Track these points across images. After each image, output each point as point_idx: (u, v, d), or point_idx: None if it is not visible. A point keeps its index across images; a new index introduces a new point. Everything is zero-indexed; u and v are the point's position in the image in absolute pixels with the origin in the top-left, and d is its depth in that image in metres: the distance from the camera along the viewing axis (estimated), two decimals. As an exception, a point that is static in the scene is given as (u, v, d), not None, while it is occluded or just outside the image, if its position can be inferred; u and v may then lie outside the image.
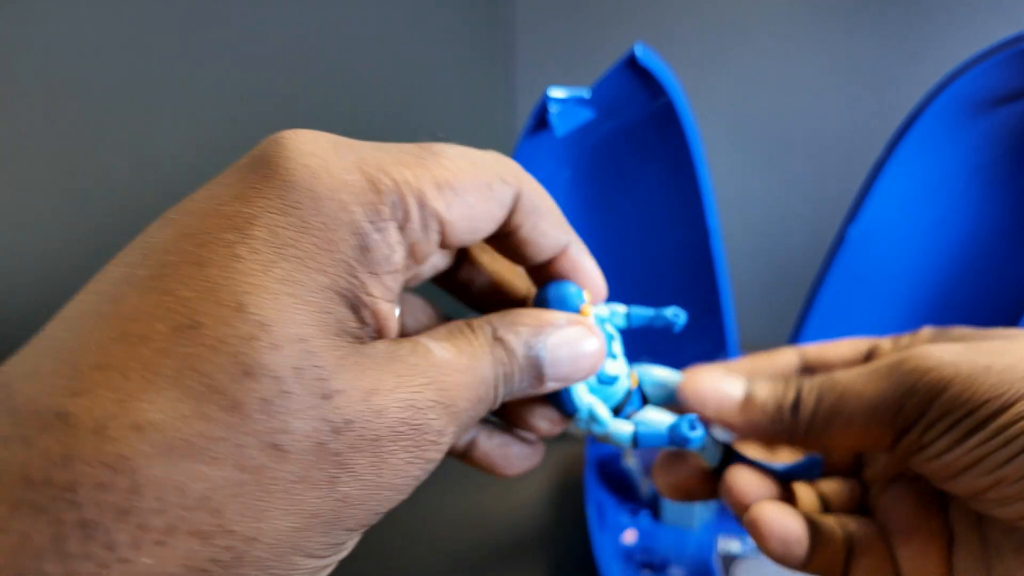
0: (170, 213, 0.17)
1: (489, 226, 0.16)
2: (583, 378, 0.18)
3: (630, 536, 0.32)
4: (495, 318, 0.17)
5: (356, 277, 0.14)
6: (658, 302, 0.26)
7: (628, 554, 0.30)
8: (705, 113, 0.74)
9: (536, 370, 0.16)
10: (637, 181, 0.25)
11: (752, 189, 0.73)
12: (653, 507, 0.31)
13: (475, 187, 0.15)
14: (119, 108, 0.71)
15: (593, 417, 0.19)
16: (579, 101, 0.22)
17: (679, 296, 0.28)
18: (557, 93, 0.22)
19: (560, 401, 0.19)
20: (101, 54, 0.68)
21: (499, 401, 0.16)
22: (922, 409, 0.15)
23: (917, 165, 0.27)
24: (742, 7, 0.71)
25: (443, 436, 0.14)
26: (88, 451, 0.11)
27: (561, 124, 0.22)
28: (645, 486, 0.32)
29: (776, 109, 0.71)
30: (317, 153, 0.15)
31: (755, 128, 0.76)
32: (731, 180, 0.73)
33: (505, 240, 0.18)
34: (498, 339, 0.16)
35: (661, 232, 0.27)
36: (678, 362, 0.27)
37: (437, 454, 0.14)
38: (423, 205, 0.14)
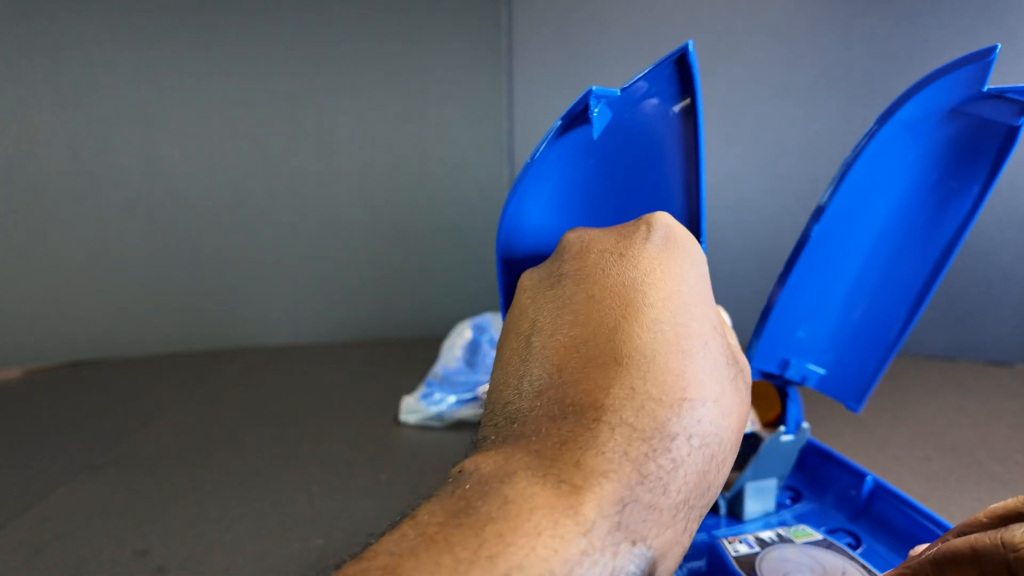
0: None
1: None
2: None
3: None
4: None
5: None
6: None
7: None
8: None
9: None
10: (640, 179, 0.26)
11: (743, 191, 0.74)
12: None
13: None
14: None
15: None
16: (612, 100, 0.22)
17: None
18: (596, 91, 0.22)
19: None
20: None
21: None
22: None
23: (875, 170, 0.29)
24: (735, 15, 0.73)
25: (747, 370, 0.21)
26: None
27: (600, 123, 0.23)
28: None
29: (767, 114, 0.72)
30: None
31: (747, 132, 0.77)
32: (723, 182, 0.75)
33: None
34: None
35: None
36: None
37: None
38: None
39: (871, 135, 0.28)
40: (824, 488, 0.38)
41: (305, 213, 0.81)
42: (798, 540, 0.30)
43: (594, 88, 0.22)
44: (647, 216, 0.21)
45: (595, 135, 0.23)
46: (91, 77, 0.72)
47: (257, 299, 0.82)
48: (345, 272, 0.83)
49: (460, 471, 0.17)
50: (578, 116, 0.23)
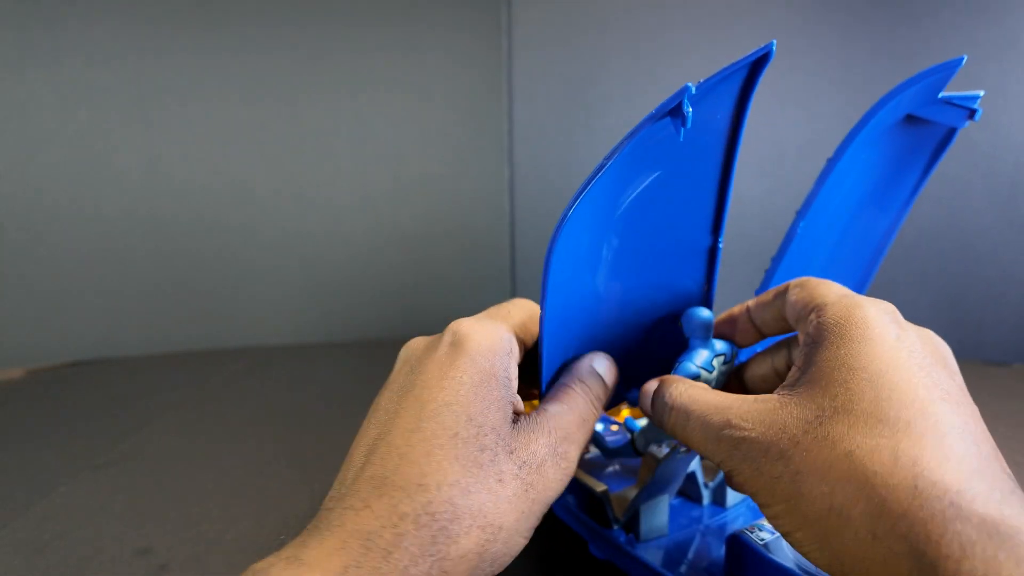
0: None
1: None
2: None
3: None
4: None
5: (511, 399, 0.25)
6: (655, 291, 0.29)
7: None
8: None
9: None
10: (675, 184, 0.26)
11: (743, 191, 0.74)
12: (628, 527, 0.33)
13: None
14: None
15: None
16: (690, 97, 0.22)
17: (674, 291, 0.30)
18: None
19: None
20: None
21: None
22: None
23: (849, 169, 0.31)
24: (735, 17, 0.73)
25: (571, 456, 0.24)
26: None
27: (689, 121, 0.23)
28: (619, 512, 0.33)
29: (767, 115, 0.72)
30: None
31: (746, 133, 0.76)
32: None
33: None
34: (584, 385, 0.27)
35: (681, 227, 0.28)
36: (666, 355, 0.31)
37: (570, 465, 0.24)
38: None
39: (852, 136, 0.30)
40: None
41: (306, 213, 0.81)
42: None
43: (689, 84, 0.22)
44: (453, 324, 0.25)
45: (681, 136, 0.24)
46: (92, 78, 0.73)
47: (258, 299, 0.82)
48: (346, 272, 0.84)
49: (250, 569, 0.20)
50: (668, 113, 0.22)
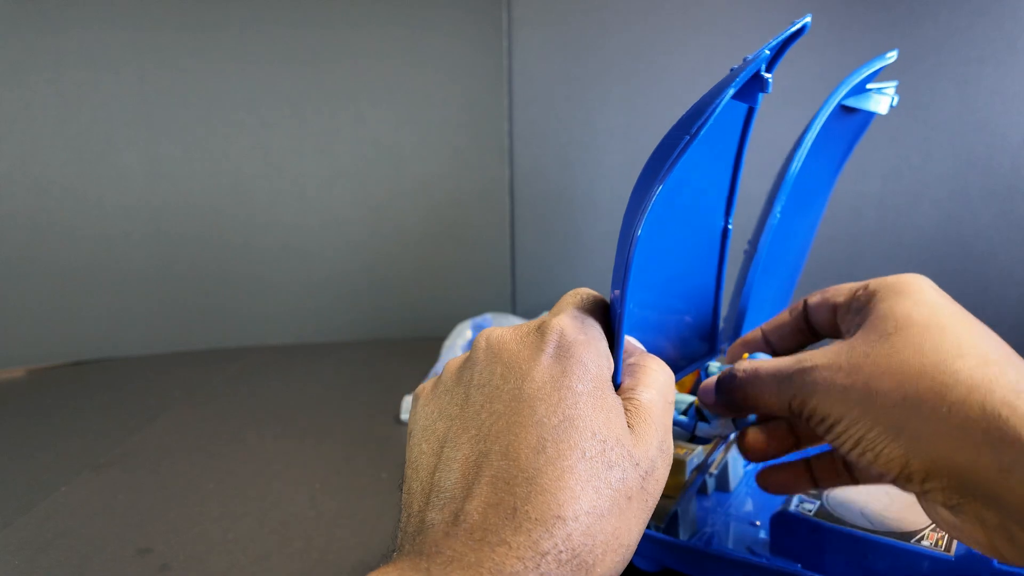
0: None
1: None
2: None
3: None
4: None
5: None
6: (667, 285, 0.30)
7: None
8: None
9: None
10: (702, 164, 0.27)
11: (743, 192, 0.75)
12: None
13: None
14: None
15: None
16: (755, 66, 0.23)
17: (685, 286, 0.30)
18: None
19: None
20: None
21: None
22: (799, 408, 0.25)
23: (810, 156, 0.33)
24: (734, 17, 0.73)
25: (671, 449, 0.23)
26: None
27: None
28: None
29: (767, 116, 0.72)
30: None
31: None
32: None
33: None
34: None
35: (702, 207, 0.29)
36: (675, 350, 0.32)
37: (671, 459, 0.23)
38: None
39: (812, 128, 0.31)
40: None
41: (307, 214, 0.81)
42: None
43: (764, 50, 0.23)
44: (546, 324, 0.23)
45: (758, 103, 0.24)
46: (93, 79, 0.73)
47: (259, 299, 0.82)
48: (347, 272, 0.84)
49: None
50: (750, 80, 0.23)
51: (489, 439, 0.21)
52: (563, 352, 0.22)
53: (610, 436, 0.21)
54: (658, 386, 0.24)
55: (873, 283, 0.26)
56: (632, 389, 0.23)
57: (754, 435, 0.29)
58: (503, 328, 0.24)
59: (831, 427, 0.23)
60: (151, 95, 0.75)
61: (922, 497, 0.23)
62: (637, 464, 0.21)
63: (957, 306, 0.24)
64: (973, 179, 0.67)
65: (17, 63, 0.70)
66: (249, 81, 0.77)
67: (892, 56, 0.31)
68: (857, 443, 0.22)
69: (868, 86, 0.33)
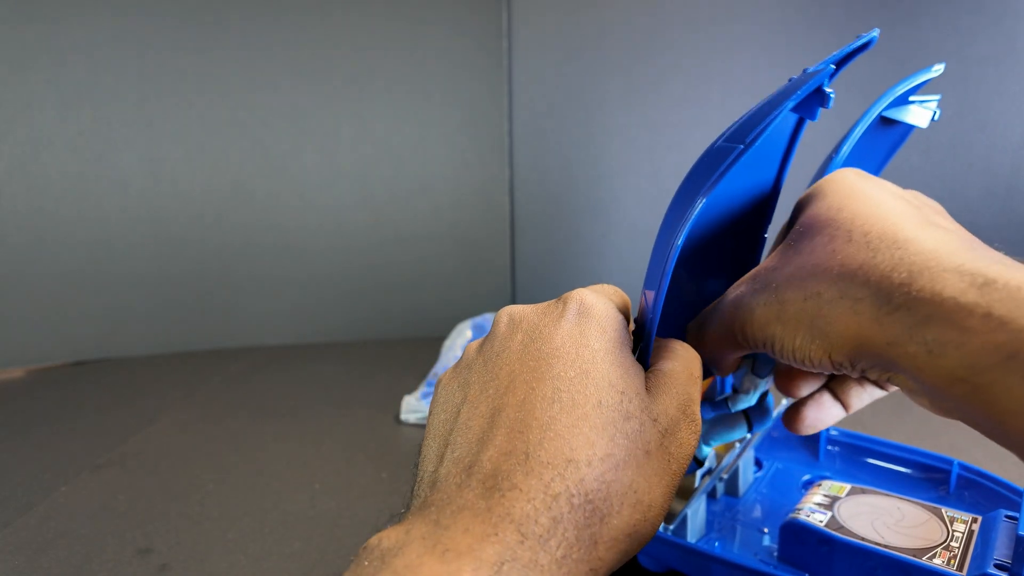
0: None
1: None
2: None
3: None
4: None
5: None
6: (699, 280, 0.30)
7: None
8: (697, 121, 0.76)
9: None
10: (748, 172, 0.26)
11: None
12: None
13: None
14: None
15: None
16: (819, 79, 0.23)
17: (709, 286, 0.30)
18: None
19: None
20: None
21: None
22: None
23: (848, 165, 0.32)
24: (734, 17, 0.73)
25: (698, 417, 0.23)
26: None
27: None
28: None
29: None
30: None
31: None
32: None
33: None
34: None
35: (740, 209, 0.29)
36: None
37: (698, 428, 0.23)
38: None
39: (850, 139, 0.31)
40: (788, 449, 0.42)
41: (307, 214, 0.81)
42: (842, 494, 0.32)
43: (830, 64, 0.23)
44: (566, 295, 0.24)
45: (816, 117, 0.24)
46: (94, 79, 0.73)
47: (259, 299, 0.82)
48: (346, 272, 0.84)
49: (365, 547, 0.18)
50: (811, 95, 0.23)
51: (506, 395, 0.21)
52: (582, 315, 0.23)
53: (628, 388, 0.21)
54: (681, 359, 0.24)
55: (803, 195, 0.26)
56: (654, 364, 0.24)
57: (798, 408, 0.29)
58: (524, 305, 0.25)
59: (772, 346, 0.24)
60: (151, 96, 0.75)
61: (868, 379, 0.24)
62: (655, 420, 0.21)
63: (873, 188, 0.23)
64: (973, 179, 0.67)
65: (17, 62, 0.70)
66: (249, 81, 0.77)
67: (938, 69, 0.30)
68: (792, 352, 0.23)
69: (911, 98, 0.32)
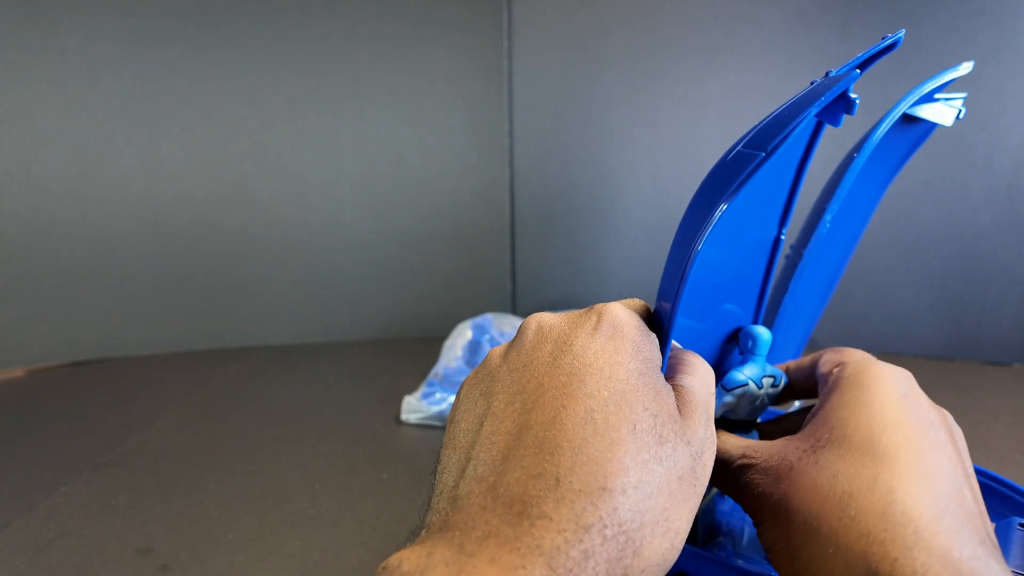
0: None
1: None
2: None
3: None
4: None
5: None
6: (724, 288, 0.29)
7: None
8: (697, 121, 0.76)
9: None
10: (767, 179, 0.26)
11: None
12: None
13: None
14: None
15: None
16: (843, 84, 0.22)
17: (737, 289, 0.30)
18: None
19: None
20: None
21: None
22: None
23: (865, 165, 0.32)
24: (734, 17, 0.73)
25: (715, 435, 0.23)
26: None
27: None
28: None
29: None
30: None
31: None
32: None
33: None
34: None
35: (758, 215, 0.28)
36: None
37: (715, 446, 0.23)
38: None
39: (874, 136, 0.30)
40: None
41: (307, 214, 0.81)
42: None
43: (856, 71, 0.21)
44: (599, 307, 0.23)
45: (840, 123, 0.23)
46: (95, 79, 0.73)
47: (260, 299, 0.82)
48: (347, 272, 0.84)
49: (384, 567, 0.17)
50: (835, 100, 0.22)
51: (535, 411, 0.20)
52: (616, 332, 0.22)
53: (662, 411, 0.20)
54: (699, 375, 0.23)
55: (848, 367, 0.25)
56: (673, 378, 0.23)
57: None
58: (553, 313, 0.24)
59: (755, 521, 0.24)
60: (151, 95, 0.75)
61: None
62: (689, 443, 0.20)
63: (916, 417, 0.23)
64: (973, 179, 0.67)
65: (17, 63, 0.70)
66: (249, 81, 0.77)
67: (967, 67, 0.29)
68: (769, 547, 0.22)
69: (936, 96, 0.31)
